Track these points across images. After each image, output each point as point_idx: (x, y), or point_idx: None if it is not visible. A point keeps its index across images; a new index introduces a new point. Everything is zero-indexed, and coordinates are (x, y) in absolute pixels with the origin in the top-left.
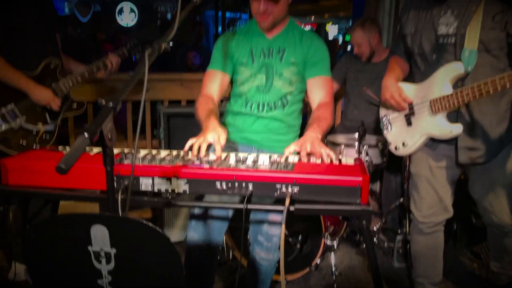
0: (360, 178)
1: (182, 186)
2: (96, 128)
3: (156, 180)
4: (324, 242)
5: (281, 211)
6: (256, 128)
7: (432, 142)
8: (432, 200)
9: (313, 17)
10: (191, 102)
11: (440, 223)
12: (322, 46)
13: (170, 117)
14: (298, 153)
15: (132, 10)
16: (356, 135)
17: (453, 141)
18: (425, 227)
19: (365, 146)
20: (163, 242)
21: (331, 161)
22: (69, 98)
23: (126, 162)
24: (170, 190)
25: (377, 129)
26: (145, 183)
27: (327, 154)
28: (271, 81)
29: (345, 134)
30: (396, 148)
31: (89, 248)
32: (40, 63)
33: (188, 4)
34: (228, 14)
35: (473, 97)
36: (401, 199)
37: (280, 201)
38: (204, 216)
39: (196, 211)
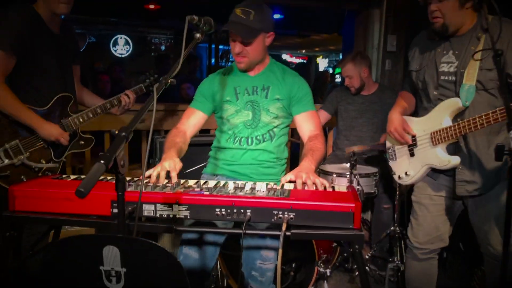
0: (352, 204)
1: (183, 211)
2: (111, 156)
3: (158, 206)
4: (317, 270)
5: (277, 239)
6: (246, 160)
7: (433, 173)
8: (429, 227)
9: (304, 50)
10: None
11: (435, 250)
12: (304, 83)
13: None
14: (294, 182)
15: (126, 42)
16: (348, 165)
17: (452, 173)
18: (420, 253)
19: (356, 176)
20: (170, 261)
21: (325, 188)
22: (77, 135)
23: (129, 189)
24: (171, 216)
25: (368, 160)
26: (148, 209)
27: (321, 183)
28: (259, 116)
29: (336, 163)
30: (399, 177)
31: (101, 267)
32: (51, 99)
33: (191, 42)
34: (221, 47)
35: (468, 129)
36: (392, 228)
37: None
38: (196, 242)
39: (189, 236)
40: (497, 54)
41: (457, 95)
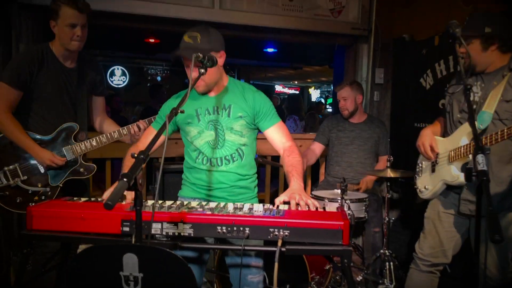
0: (341, 222)
1: (187, 230)
2: (132, 175)
3: (165, 224)
4: None
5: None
6: (220, 184)
7: (445, 190)
8: (433, 241)
9: (296, 81)
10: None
11: (436, 265)
12: (264, 97)
13: (164, 173)
14: (287, 203)
15: (123, 73)
16: (339, 190)
17: (457, 190)
18: (422, 264)
19: (347, 201)
20: (181, 266)
21: (317, 208)
22: (78, 162)
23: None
24: (176, 234)
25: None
26: (155, 227)
27: (313, 204)
28: (223, 136)
29: (328, 189)
30: (420, 191)
31: (121, 273)
32: (57, 128)
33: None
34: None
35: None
36: (381, 251)
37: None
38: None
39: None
40: (466, 88)
41: (476, 120)
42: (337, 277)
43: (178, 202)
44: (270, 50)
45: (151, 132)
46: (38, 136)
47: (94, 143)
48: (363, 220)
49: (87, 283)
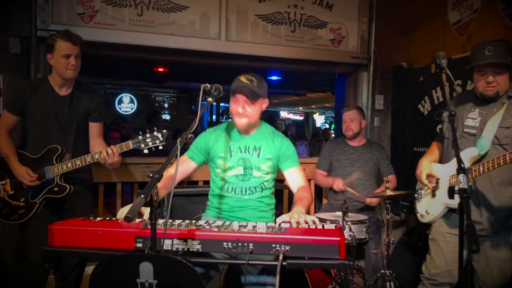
0: (338, 238)
1: (195, 245)
2: (148, 192)
3: (175, 241)
4: None
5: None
6: (243, 208)
7: (448, 212)
8: (439, 262)
9: (301, 107)
10: (192, 183)
11: (443, 284)
12: (290, 144)
13: (173, 197)
14: (288, 222)
15: (131, 100)
16: (341, 213)
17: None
18: (429, 283)
19: (348, 222)
20: (192, 274)
21: (316, 226)
22: (54, 182)
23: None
24: (186, 249)
25: (360, 209)
26: (166, 243)
27: (312, 221)
28: (250, 172)
29: (330, 212)
30: (421, 215)
31: (137, 280)
32: (44, 149)
33: (205, 104)
34: (222, 104)
35: (483, 171)
36: (382, 271)
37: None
38: None
39: None
40: (451, 114)
41: (475, 146)
42: None
43: (187, 221)
44: (274, 78)
45: (185, 159)
46: (29, 155)
47: (69, 165)
48: (364, 241)
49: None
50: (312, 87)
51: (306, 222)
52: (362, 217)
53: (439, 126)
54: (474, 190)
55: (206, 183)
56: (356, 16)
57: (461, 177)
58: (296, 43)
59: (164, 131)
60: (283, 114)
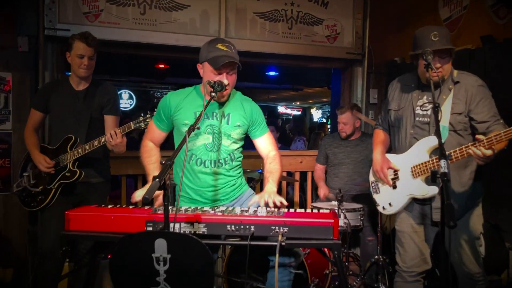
0: (332, 220)
1: (201, 228)
2: (162, 177)
3: (183, 224)
4: None
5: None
6: (212, 187)
7: (410, 204)
8: (414, 253)
9: (298, 102)
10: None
11: (421, 273)
12: (259, 109)
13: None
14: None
15: (130, 96)
16: (336, 202)
17: (427, 202)
18: (408, 275)
19: (343, 210)
20: (201, 248)
21: (312, 209)
22: (67, 168)
23: (159, 212)
24: (192, 232)
25: (354, 198)
26: (175, 227)
27: (279, 201)
28: (219, 140)
29: (327, 201)
30: (383, 208)
31: (153, 254)
32: (61, 140)
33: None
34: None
35: (456, 160)
36: (376, 257)
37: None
38: None
39: None
40: (435, 106)
41: (430, 134)
42: (336, 283)
43: (192, 207)
44: (272, 73)
45: (152, 127)
46: (49, 147)
47: (80, 150)
48: (358, 228)
49: (127, 264)
50: (309, 82)
51: (274, 203)
52: (357, 205)
53: (380, 116)
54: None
55: None
56: (351, 13)
57: (443, 162)
58: (293, 39)
59: None
60: (281, 109)
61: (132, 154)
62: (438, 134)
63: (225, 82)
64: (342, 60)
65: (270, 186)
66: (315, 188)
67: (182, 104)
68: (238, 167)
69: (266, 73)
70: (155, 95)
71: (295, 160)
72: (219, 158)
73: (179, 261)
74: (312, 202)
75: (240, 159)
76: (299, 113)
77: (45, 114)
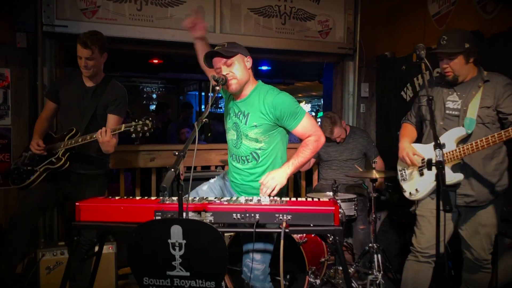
0: (333, 208)
1: (208, 217)
2: (176, 167)
3: (190, 213)
4: (308, 280)
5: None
6: (235, 180)
7: (435, 190)
8: (430, 236)
9: None
10: (205, 168)
11: (433, 256)
12: (284, 101)
13: (173, 182)
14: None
15: None
16: (331, 193)
17: (451, 189)
18: (420, 256)
19: (338, 201)
20: (215, 234)
21: (312, 198)
22: (56, 155)
23: (168, 202)
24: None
25: (347, 188)
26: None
27: (266, 193)
28: (241, 139)
29: (321, 192)
30: (410, 194)
31: (169, 240)
32: (65, 131)
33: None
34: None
35: (471, 150)
36: (370, 244)
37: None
38: None
39: None
40: (429, 98)
41: (460, 126)
42: (331, 271)
43: (198, 197)
44: (264, 68)
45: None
46: (53, 135)
47: (73, 141)
48: (353, 217)
49: (144, 249)
50: (300, 77)
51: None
52: (351, 195)
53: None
54: (463, 167)
55: (218, 167)
56: (342, 8)
57: (437, 151)
58: (287, 34)
59: (153, 120)
60: None
61: (128, 148)
62: (432, 125)
63: (224, 72)
64: (334, 54)
65: (283, 169)
66: (308, 179)
67: (228, 97)
68: (267, 166)
69: (259, 68)
70: (145, 89)
71: (290, 152)
72: (242, 155)
73: (194, 246)
74: (306, 193)
75: (271, 159)
76: None
77: (57, 104)
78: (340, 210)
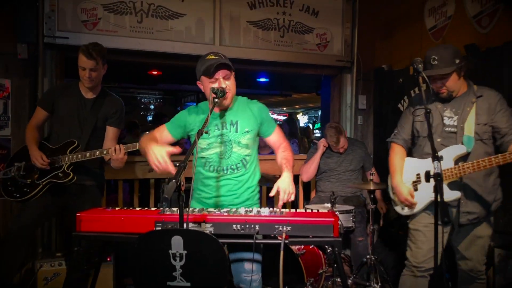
0: (332, 219)
1: (208, 228)
2: (177, 177)
3: (191, 224)
4: None
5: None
6: (225, 192)
7: (430, 205)
8: (426, 250)
9: (285, 108)
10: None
11: (429, 269)
12: (265, 108)
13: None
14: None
15: None
16: (329, 204)
17: (449, 205)
18: (416, 270)
19: (336, 212)
20: (215, 245)
21: (312, 209)
22: (61, 169)
23: (168, 212)
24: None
25: (346, 200)
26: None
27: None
28: (230, 148)
29: (319, 204)
30: (402, 208)
31: (170, 251)
32: (62, 142)
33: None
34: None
35: (473, 169)
36: (368, 256)
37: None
38: None
39: None
40: (427, 111)
41: (457, 143)
42: (329, 282)
43: (198, 208)
44: (262, 80)
45: (163, 129)
46: (48, 145)
47: (79, 156)
48: (351, 229)
49: (145, 259)
50: (297, 88)
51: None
52: (349, 207)
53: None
54: (465, 183)
55: None
56: (340, 22)
57: (436, 163)
58: (285, 47)
59: None
60: None
61: (129, 159)
62: (430, 138)
63: (223, 85)
64: (332, 67)
65: (287, 174)
66: (306, 191)
67: (198, 117)
68: (253, 176)
69: (257, 80)
70: (142, 100)
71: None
72: (232, 164)
73: (194, 257)
74: (304, 205)
75: (254, 164)
76: (285, 118)
77: (50, 114)
78: (338, 222)
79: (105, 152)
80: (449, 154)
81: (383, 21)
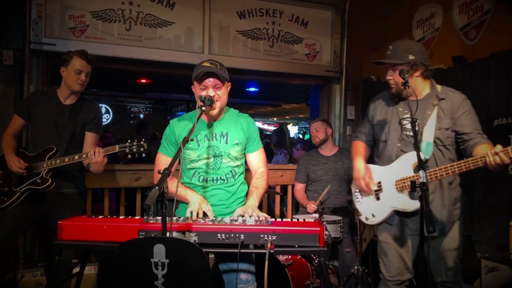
0: (318, 228)
1: (193, 237)
2: (161, 185)
3: (175, 233)
4: None
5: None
6: (212, 201)
7: (391, 216)
8: (398, 263)
9: (275, 118)
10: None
11: (404, 282)
12: (254, 124)
13: (157, 202)
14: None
15: (107, 111)
16: (317, 215)
17: (411, 214)
18: (392, 284)
19: (324, 222)
20: (198, 253)
21: (298, 219)
22: (39, 175)
23: (152, 221)
24: None
25: (334, 210)
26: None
27: (264, 217)
28: (220, 159)
29: (308, 214)
30: (366, 218)
31: (151, 259)
32: (41, 149)
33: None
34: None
35: (435, 177)
36: (355, 267)
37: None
38: None
39: None
40: (413, 120)
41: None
42: None
43: (183, 217)
44: (252, 89)
45: (162, 158)
46: (26, 152)
47: (58, 161)
48: (339, 240)
49: (126, 268)
50: (287, 99)
51: (258, 216)
52: (337, 217)
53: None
54: (433, 191)
55: None
56: (329, 32)
57: (421, 173)
58: (274, 57)
59: (146, 142)
60: (258, 124)
61: (113, 167)
62: (416, 146)
63: (211, 93)
64: (320, 77)
65: (252, 200)
66: (295, 201)
67: (186, 128)
68: (241, 187)
69: (246, 89)
70: (132, 109)
71: (276, 173)
72: (222, 175)
73: (177, 266)
74: (292, 214)
75: (243, 175)
76: (276, 128)
77: (27, 121)
78: (326, 232)
79: (84, 156)
80: (407, 161)
81: (372, 32)
